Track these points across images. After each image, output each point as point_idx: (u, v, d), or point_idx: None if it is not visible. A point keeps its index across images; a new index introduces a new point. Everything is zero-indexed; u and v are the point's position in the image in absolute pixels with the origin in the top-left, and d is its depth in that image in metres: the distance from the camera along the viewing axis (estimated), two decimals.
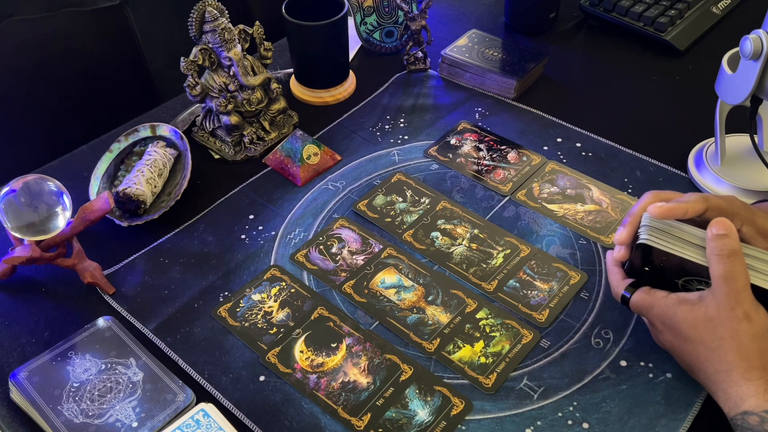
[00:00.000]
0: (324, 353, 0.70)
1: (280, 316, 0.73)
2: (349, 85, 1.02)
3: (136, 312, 0.74)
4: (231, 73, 0.89)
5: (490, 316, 0.72)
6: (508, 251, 0.79)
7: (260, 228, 0.83)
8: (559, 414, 0.64)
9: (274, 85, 0.92)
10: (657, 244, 0.61)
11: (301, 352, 0.70)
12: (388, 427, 0.64)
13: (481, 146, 0.92)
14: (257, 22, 0.91)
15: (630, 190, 0.85)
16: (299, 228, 0.83)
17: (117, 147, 0.89)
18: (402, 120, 0.97)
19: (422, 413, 0.65)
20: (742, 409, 0.57)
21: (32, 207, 0.72)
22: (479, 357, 0.69)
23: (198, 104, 0.95)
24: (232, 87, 0.89)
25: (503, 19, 1.15)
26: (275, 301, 0.75)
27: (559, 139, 0.93)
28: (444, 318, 0.72)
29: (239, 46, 0.88)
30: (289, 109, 0.96)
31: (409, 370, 0.68)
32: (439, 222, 0.82)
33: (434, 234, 0.81)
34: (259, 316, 0.73)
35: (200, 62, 0.87)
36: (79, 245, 0.77)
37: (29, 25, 1.00)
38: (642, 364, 0.68)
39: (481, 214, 0.83)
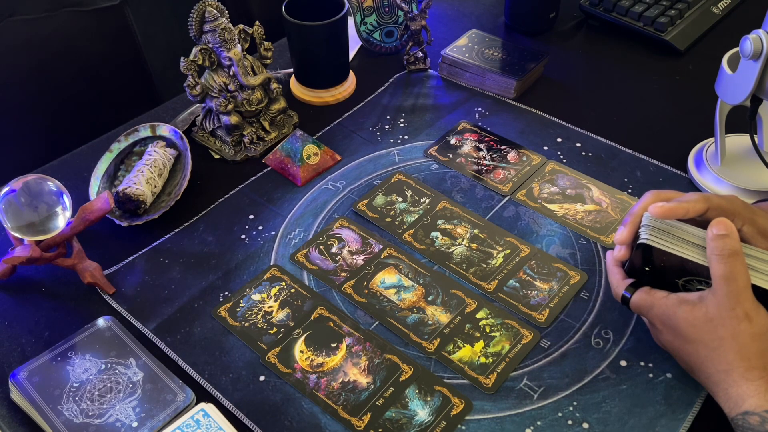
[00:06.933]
0: (324, 353, 0.70)
1: (280, 316, 0.73)
2: (349, 85, 1.02)
3: (136, 312, 0.74)
4: (231, 73, 0.89)
5: (490, 316, 0.72)
6: (508, 251, 0.79)
7: (260, 228, 0.83)
8: (559, 414, 0.64)
9: (274, 85, 0.92)
10: (657, 244, 0.61)
11: (301, 352, 0.70)
12: (388, 427, 0.64)
13: (481, 146, 0.92)
14: (257, 22, 0.91)
15: (630, 190, 0.85)
16: (299, 228, 0.83)
17: (117, 147, 0.89)
18: (402, 120, 0.97)
19: (422, 413, 0.65)
20: (743, 409, 0.57)
21: (32, 207, 0.72)
22: (479, 357, 0.69)
23: (198, 104, 0.95)
24: (232, 87, 0.89)
25: (503, 19, 1.15)
26: (275, 301, 0.75)
27: (559, 139, 0.93)
28: (444, 318, 0.72)
29: (239, 46, 0.88)
30: (289, 109, 0.96)
31: (409, 370, 0.68)
32: (439, 222, 0.82)
33: (434, 234, 0.81)
34: (259, 316, 0.73)
35: (200, 62, 0.87)
36: (79, 245, 0.77)
37: (29, 25, 0.99)
38: (642, 364, 0.68)
39: (481, 214, 0.83)
